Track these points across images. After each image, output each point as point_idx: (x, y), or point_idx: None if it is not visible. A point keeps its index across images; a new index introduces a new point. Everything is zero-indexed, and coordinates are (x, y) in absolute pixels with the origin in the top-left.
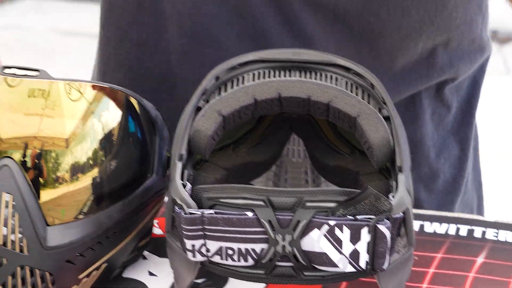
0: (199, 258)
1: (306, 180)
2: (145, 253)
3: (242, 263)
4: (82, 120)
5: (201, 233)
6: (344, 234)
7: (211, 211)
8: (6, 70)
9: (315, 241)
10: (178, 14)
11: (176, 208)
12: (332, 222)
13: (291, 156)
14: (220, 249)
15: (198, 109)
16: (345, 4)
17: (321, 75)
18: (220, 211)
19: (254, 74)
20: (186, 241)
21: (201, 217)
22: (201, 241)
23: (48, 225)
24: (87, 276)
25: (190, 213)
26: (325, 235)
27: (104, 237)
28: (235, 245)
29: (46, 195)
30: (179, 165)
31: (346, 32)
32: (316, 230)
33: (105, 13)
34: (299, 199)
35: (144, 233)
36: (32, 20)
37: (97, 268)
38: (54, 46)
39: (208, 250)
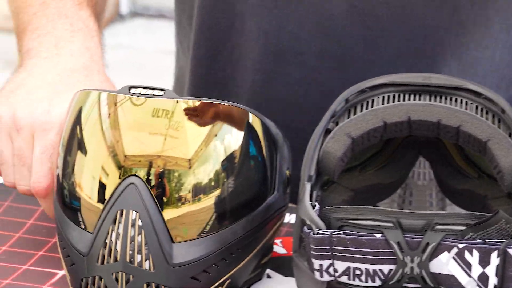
0: (326, 278)
1: (431, 202)
2: (270, 272)
3: (370, 283)
4: (205, 142)
5: (329, 253)
6: (473, 257)
7: (340, 231)
8: (133, 90)
9: (444, 263)
10: (263, 33)
11: (305, 228)
12: (461, 245)
13: (416, 179)
14: (348, 269)
15: (327, 131)
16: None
17: (451, 99)
18: (349, 232)
19: (384, 97)
20: (314, 260)
21: (329, 237)
22: (329, 261)
23: (173, 242)
24: None
25: (319, 233)
26: (454, 258)
27: (228, 254)
28: (363, 266)
29: (170, 213)
30: (308, 186)
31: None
32: (445, 252)
33: (197, 34)
34: (429, 222)
35: (266, 250)
36: (141, 40)
37: (221, 284)
38: (162, 65)
39: (335, 270)
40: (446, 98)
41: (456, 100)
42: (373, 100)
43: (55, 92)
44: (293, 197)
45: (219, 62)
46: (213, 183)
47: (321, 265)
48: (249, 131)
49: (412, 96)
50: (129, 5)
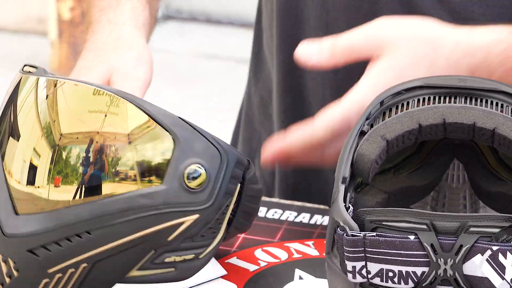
0: (359, 279)
1: (464, 205)
2: (302, 273)
3: (402, 285)
4: None
5: (363, 255)
6: (508, 260)
7: (374, 233)
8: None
9: (477, 266)
10: None
11: (339, 230)
12: (495, 248)
13: (450, 181)
14: (381, 271)
15: (362, 133)
16: None
17: (486, 101)
18: (382, 233)
19: (419, 100)
20: (347, 262)
21: (363, 239)
22: (362, 263)
23: (16, 213)
24: (62, 272)
25: (353, 235)
26: (487, 260)
27: (72, 235)
28: (396, 268)
29: (15, 184)
30: (342, 188)
31: None
32: (479, 255)
33: (278, 40)
34: (463, 224)
35: (154, 246)
36: (174, 43)
37: (74, 267)
38: (195, 69)
39: (368, 272)
40: (481, 101)
41: (491, 103)
42: (408, 103)
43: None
44: (326, 199)
45: (298, 70)
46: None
47: (354, 267)
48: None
49: (447, 99)
50: (161, 8)
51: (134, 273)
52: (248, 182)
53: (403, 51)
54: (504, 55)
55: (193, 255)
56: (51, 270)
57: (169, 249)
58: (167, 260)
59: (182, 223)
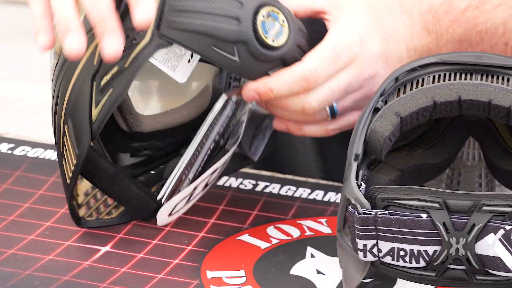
0: (370, 258)
1: (480, 183)
2: (314, 251)
3: (414, 264)
4: None
5: (374, 233)
6: None
7: (385, 211)
8: None
9: (490, 245)
10: None
11: (350, 207)
12: (508, 227)
13: (465, 159)
14: (392, 249)
15: (376, 109)
16: None
17: (503, 79)
18: (394, 212)
19: (434, 76)
20: (358, 240)
21: (374, 217)
22: (373, 241)
23: None
24: None
25: (364, 213)
26: (500, 240)
27: None
28: (407, 246)
29: None
30: (354, 165)
31: None
32: (491, 234)
33: None
34: (476, 203)
35: None
36: None
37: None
38: None
39: (379, 251)
40: (498, 78)
41: (508, 80)
42: (423, 79)
43: None
44: (340, 176)
45: None
46: None
47: (365, 245)
48: None
49: (463, 76)
50: None
51: None
52: None
53: (363, 2)
54: (447, 5)
55: None
56: None
57: None
58: None
59: None
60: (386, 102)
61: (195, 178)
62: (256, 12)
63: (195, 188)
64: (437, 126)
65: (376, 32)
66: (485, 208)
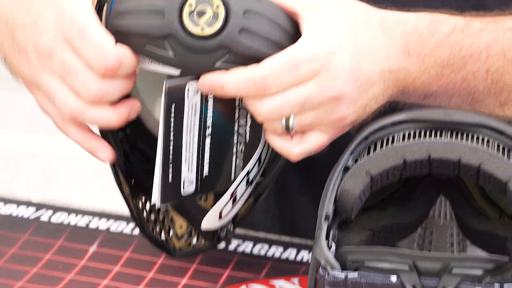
0: None
1: (452, 243)
2: None
3: None
4: None
5: None
6: None
7: (355, 274)
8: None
9: None
10: None
11: (320, 269)
12: None
13: (437, 218)
14: None
15: (346, 168)
16: None
17: (472, 137)
18: (364, 273)
19: (404, 134)
20: None
21: (344, 280)
22: None
23: None
24: None
25: (334, 276)
26: None
27: None
28: None
29: None
30: (324, 226)
31: None
32: None
33: None
34: (446, 265)
35: None
36: None
37: None
38: None
39: None
40: (467, 136)
41: (477, 138)
42: (393, 137)
43: None
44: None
45: None
46: None
47: None
48: None
49: (433, 133)
50: None
51: None
52: None
53: (341, 10)
54: (432, 27)
55: None
56: None
57: None
58: None
59: None
60: (356, 161)
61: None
62: (183, 2)
63: (237, 186)
64: (408, 184)
65: (348, 46)
66: (455, 270)
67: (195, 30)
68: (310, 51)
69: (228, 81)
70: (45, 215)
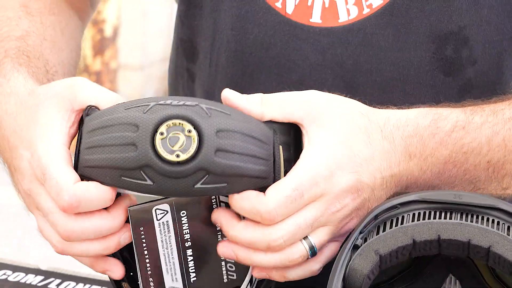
0: None
1: None
2: None
3: None
4: None
5: None
6: None
7: None
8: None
9: None
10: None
11: None
12: None
13: None
14: None
15: (355, 247)
16: None
17: (482, 218)
18: None
19: (414, 215)
20: None
21: None
22: None
23: None
24: None
25: None
26: None
27: None
28: None
29: None
30: None
31: None
32: None
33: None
34: None
35: None
36: None
37: None
38: None
39: None
40: (477, 217)
41: (487, 220)
42: (403, 217)
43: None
44: None
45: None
46: None
47: None
48: None
49: (442, 214)
50: None
51: None
52: None
53: (342, 120)
54: (433, 127)
55: None
56: None
57: None
58: None
59: None
60: (365, 240)
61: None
62: (154, 131)
63: None
64: (417, 263)
65: (348, 164)
66: None
67: (170, 157)
68: (311, 178)
69: (234, 206)
70: (53, 284)
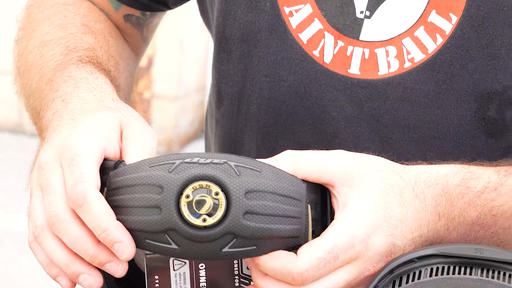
0: None
1: None
2: None
3: None
4: None
5: None
6: None
7: None
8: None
9: None
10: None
11: None
12: None
13: None
14: None
15: None
16: None
17: (504, 274)
18: None
19: (432, 269)
20: None
21: None
22: None
23: None
24: None
25: None
26: None
27: None
28: None
29: None
30: None
31: None
32: None
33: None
34: None
35: None
36: None
37: None
38: None
39: None
40: (499, 273)
41: (510, 276)
42: (420, 272)
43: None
44: None
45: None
46: None
47: None
48: None
49: (462, 269)
50: None
51: None
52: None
53: (375, 180)
54: (463, 187)
55: None
56: None
57: None
58: None
59: None
60: None
61: None
62: (179, 193)
63: None
64: None
65: (384, 226)
66: None
67: (196, 222)
68: (347, 240)
69: (264, 266)
70: None
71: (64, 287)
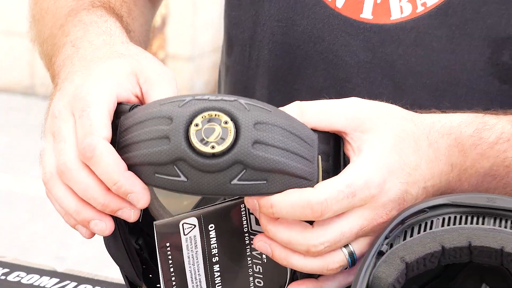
0: None
1: None
2: None
3: None
4: None
5: None
6: None
7: None
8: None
9: None
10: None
11: None
12: None
13: None
14: None
15: (380, 253)
16: None
17: None
18: None
19: (444, 219)
20: None
21: None
22: None
23: None
24: None
25: None
26: None
27: None
28: None
29: None
30: None
31: None
32: None
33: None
34: None
35: None
36: None
37: None
38: None
39: None
40: (511, 223)
41: None
42: (431, 222)
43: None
44: None
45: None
46: None
47: None
48: None
49: (474, 219)
50: None
51: None
52: None
53: (388, 125)
54: (476, 137)
55: None
56: None
57: None
58: None
59: None
60: (391, 245)
61: None
62: (189, 123)
63: None
64: (448, 271)
65: (398, 173)
66: None
67: (204, 149)
68: (365, 179)
69: (279, 201)
70: (68, 286)
71: (84, 235)
